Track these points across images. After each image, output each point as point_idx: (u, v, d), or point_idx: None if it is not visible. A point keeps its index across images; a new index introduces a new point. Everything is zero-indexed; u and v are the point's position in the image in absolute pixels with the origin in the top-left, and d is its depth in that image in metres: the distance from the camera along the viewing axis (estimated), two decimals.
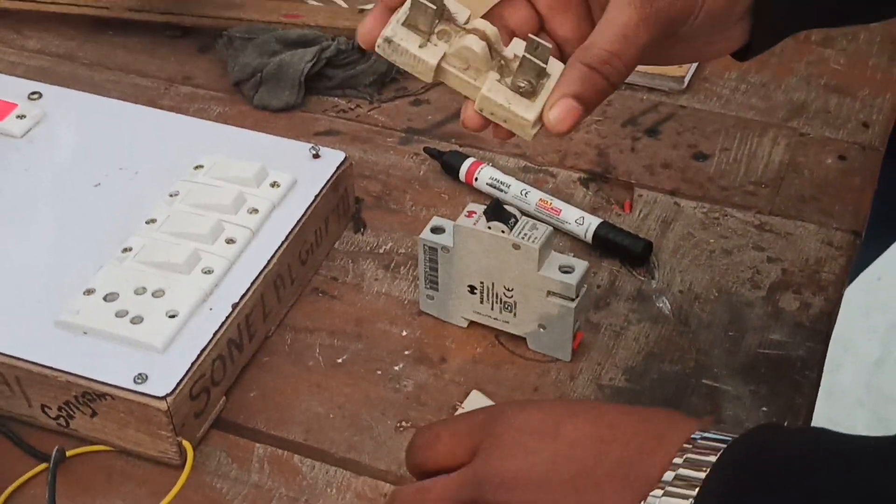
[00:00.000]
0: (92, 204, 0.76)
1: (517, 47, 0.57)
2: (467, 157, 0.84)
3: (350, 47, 0.93)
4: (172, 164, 0.78)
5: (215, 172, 0.76)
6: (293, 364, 0.72)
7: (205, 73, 0.96)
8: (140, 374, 0.64)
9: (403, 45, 0.57)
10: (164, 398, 0.63)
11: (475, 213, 0.70)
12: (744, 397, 0.69)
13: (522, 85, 0.57)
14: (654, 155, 0.87)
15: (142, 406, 0.64)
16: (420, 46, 0.57)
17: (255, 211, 0.74)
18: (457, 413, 0.67)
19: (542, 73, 0.57)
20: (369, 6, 1.00)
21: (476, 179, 0.83)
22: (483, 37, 0.57)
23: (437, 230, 0.72)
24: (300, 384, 0.71)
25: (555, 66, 0.58)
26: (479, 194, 0.83)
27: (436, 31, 0.57)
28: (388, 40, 0.57)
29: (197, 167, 0.77)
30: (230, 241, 0.72)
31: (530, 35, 0.56)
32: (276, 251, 0.72)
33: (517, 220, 0.69)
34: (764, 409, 0.68)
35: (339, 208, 0.79)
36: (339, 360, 0.72)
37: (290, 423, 0.68)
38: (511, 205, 0.79)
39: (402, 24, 0.57)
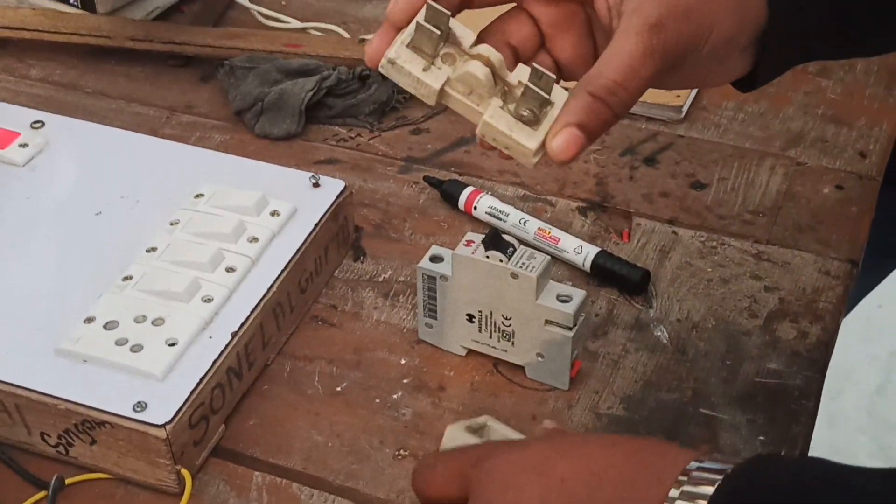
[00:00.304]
0: (93, 232, 0.76)
1: (521, 74, 0.57)
2: (466, 185, 0.85)
3: (351, 77, 0.93)
4: (173, 193, 0.78)
5: (216, 201, 0.77)
6: (292, 392, 0.72)
7: (206, 102, 0.97)
8: (139, 403, 0.64)
9: (407, 67, 0.57)
10: (163, 426, 0.64)
11: (473, 242, 0.70)
12: (741, 426, 0.69)
13: (525, 113, 0.57)
14: (653, 184, 0.87)
15: (141, 434, 0.64)
16: (423, 70, 0.57)
17: (256, 239, 0.74)
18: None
19: (545, 103, 0.57)
20: (370, 36, 1.01)
21: (475, 208, 0.84)
22: (487, 63, 0.57)
23: (435, 259, 0.72)
24: (299, 412, 0.71)
25: (559, 94, 0.58)
26: (478, 223, 0.84)
27: (441, 53, 0.58)
28: (392, 62, 0.57)
29: (197, 196, 0.78)
30: (230, 269, 0.72)
31: (534, 64, 0.57)
32: (276, 280, 0.73)
33: (515, 250, 0.70)
34: (761, 438, 0.68)
35: (338, 237, 0.80)
36: (338, 389, 0.72)
37: (288, 452, 0.69)
38: (510, 234, 0.79)
39: (407, 45, 0.57)
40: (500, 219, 0.83)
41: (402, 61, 0.57)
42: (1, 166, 0.82)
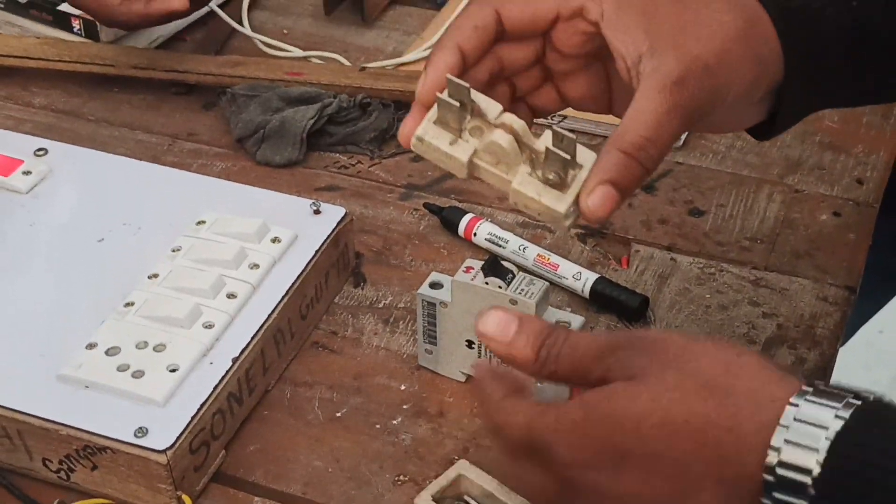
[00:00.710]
0: (95, 259, 0.77)
1: (547, 139, 0.57)
2: (466, 212, 0.86)
3: (351, 104, 0.94)
4: (175, 220, 0.79)
5: (217, 228, 0.77)
6: (292, 418, 0.73)
7: (208, 129, 0.97)
8: (140, 428, 0.65)
9: (435, 143, 0.59)
10: (164, 452, 0.64)
11: (473, 268, 0.71)
12: None
13: (551, 177, 0.57)
14: (651, 211, 0.88)
15: (142, 459, 0.64)
16: (451, 143, 0.58)
17: (256, 266, 0.75)
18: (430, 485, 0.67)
19: (569, 164, 0.57)
20: (372, 64, 1.02)
21: (475, 235, 0.84)
22: (511, 131, 0.58)
23: (435, 285, 0.73)
24: (299, 438, 0.71)
25: (586, 156, 0.58)
26: (477, 249, 0.84)
27: (468, 127, 0.59)
28: (420, 139, 0.59)
29: (199, 223, 0.78)
30: (231, 295, 0.73)
31: (554, 127, 0.57)
32: (277, 306, 0.73)
33: (514, 276, 0.70)
34: None
35: (339, 263, 0.80)
36: (338, 414, 0.73)
37: (288, 477, 0.69)
38: (509, 260, 0.80)
39: (434, 122, 0.59)
40: (500, 245, 0.83)
41: (429, 137, 0.59)
42: (4, 193, 0.83)
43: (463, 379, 0.74)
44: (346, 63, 1.03)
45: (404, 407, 0.73)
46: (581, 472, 0.53)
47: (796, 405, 0.49)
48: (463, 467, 0.66)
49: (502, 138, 0.58)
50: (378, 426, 0.72)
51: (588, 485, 0.54)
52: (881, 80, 0.67)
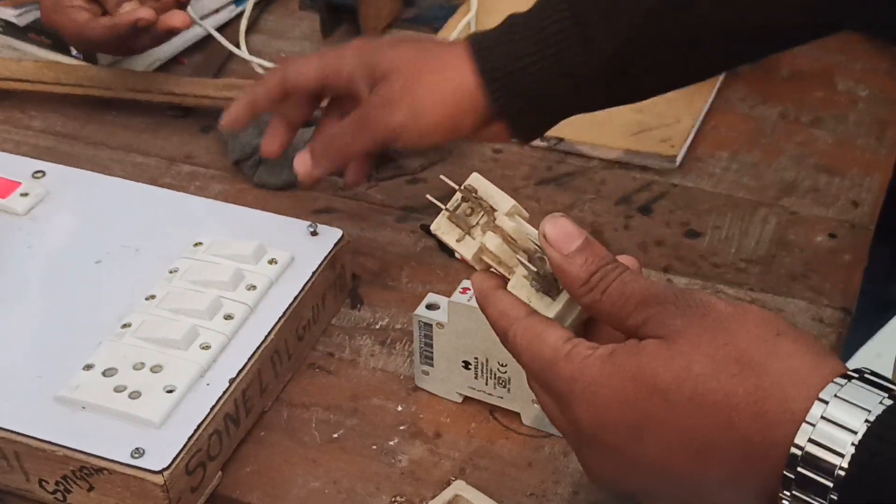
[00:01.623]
0: (93, 280, 0.77)
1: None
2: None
3: None
4: (172, 242, 0.79)
5: (214, 250, 0.78)
6: (289, 439, 0.73)
7: (206, 151, 0.98)
8: (137, 449, 0.65)
9: (444, 238, 0.61)
10: (160, 472, 0.64)
11: (469, 289, 0.71)
12: None
13: (540, 285, 0.58)
14: (647, 233, 0.88)
15: (138, 480, 0.64)
16: (458, 241, 0.60)
17: (254, 287, 0.75)
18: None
19: (555, 278, 0.57)
20: None
21: None
22: (502, 235, 0.58)
23: (431, 306, 0.73)
24: (296, 459, 0.71)
25: None
26: (474, 271, 0.84)
27: (480, 222, 0.60)
28: (434, 232, 0.61)
29: (196, 244, 0.78)
30: (228, 317, 0.73)
31: (521, 253, 0.58)
32: (274, 327, 0.73)
33: None
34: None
35: (336, 285, 0.80)
36: (335, 436, 0.73)
37: (285, 499, 0.69)
38: None
39: (447, 217, 0.61)
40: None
41: (440, 233, 0.61)
42: (2, 216, 0.83)
43: (460, 400, 0.74)
44: None
45: (401, 428, 0.73)
46: (600, 430, 0.53)
47: (825, 402, 0.48)
48: (460, 488, 0.66)
49: (491, 242, 0.59)
50: (375, 447, 0.72)
51: (607, 445, 0.53)
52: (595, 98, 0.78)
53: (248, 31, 1.11)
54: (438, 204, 0.62)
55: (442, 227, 0.61)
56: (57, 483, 0.67)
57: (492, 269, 0.60)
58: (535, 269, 0.57)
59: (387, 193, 0.93)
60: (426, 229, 0.88)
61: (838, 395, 0.48)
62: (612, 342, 0.54)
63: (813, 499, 0.48)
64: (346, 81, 0.78)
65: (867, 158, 0.95)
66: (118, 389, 0.68)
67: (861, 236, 0.88)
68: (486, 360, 0.72)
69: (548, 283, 0.58)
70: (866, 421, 0.48)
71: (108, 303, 0.75)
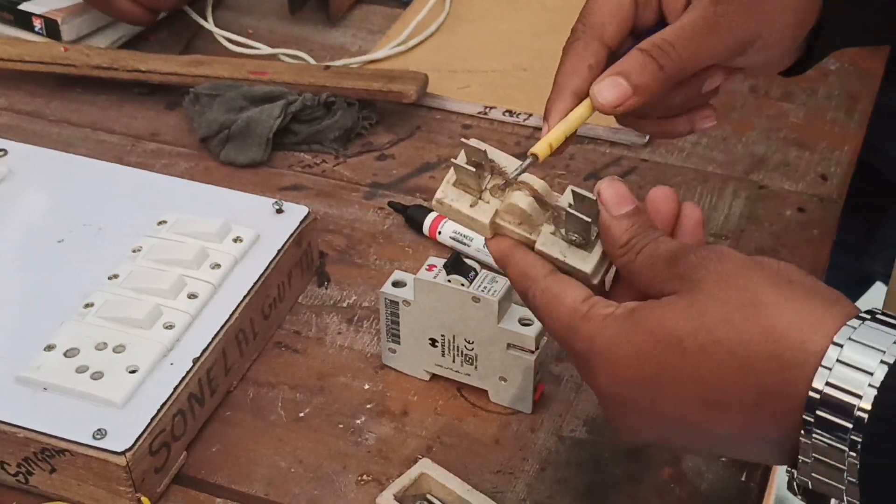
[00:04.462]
0: (55, 260, 0.76)
1: (569, 197, 0.57)
2: (431, 211, 0.85)
3: (315, 103, 0.93)
4: (136, 220, 0.78)
5: (178, 228, 0.77)
6: (255, 418, 0.72)
7: (172, 129, 0.97)
8: (99, 430, 0.64)
9: (455, 205, 0.58)
10: (122, 454, 0.63)
11: (435, 266, 0.71)
12: None
13: (574, 238, 0.57)
14: None
15: (101, 462, 0.64)
16: (471, 206, 0.58)
17: (218, 266, 0.74)
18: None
19: (591, 224, 0.56)
20: (336, 63, 1.01)
21: (439, 233, 0.84)
22: (531, 191, 0.57)
23: (398, 284, 0.72)
24: (262, 438, 0.71)
25: None
26: (442, 248, 0.84)
27: (489, 186, 0.58)
28: (440, 201, 0.59)
29: (160, 223, 0.78)
30: (192, 296, 0.72)
31: (572, 188, 0.57)
32: (238, 306, 0.73)
33: (477, 274, 0.70)
34: (723, 459, 0.68)
35: (302, 263, 0.80)
36: (301, 415, 0.72)
37: (251, 478, 0.68)
38: (474, 258, 0.79)
39: (453, 184, 0.58)
40: (465, 243, 0.83)
41: (449, 200, 0.59)
42: None
43: (427, 378, 0.74)
44: (312, 62, 1.02)
45: (368, 406, 0.73)
46: (617, 388, 0.53)
47: (840, 345, 0.48)
48: (426, 466, 0.66)
49: (522, 200, 0.57)
50: (341, 426, 0.71)
51: (626, 401, 0.54)
52: None
53: (216, 6, 1.09)
54: (475, 145, 0.58)
55: (449, 194, 0.59)
56: (19, 465, 0.66)
57: (505, 234, 0.59)
58: (568, 223, 0.56)
59: (354, 170, 0.92)
60: (395, 206, 0.87)
61: (853, 337, 0.49)
62: (631, 299, 0.55)
63: (834, 441, 0.48)
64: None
65: (837, 132, 0.95)
66: (80, 370, 0.67)
67: (830, 210, 0.87)
68: (453, 338, 0.71)
69: (579, 237, 0.57)
70: (882, 362, 0.48)
71: (71, 282, 0.74)
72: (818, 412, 0.49)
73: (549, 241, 0.58)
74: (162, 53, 1.01)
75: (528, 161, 0.58)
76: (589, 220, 0.56)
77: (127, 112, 0.99)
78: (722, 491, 0.67)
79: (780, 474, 0.88)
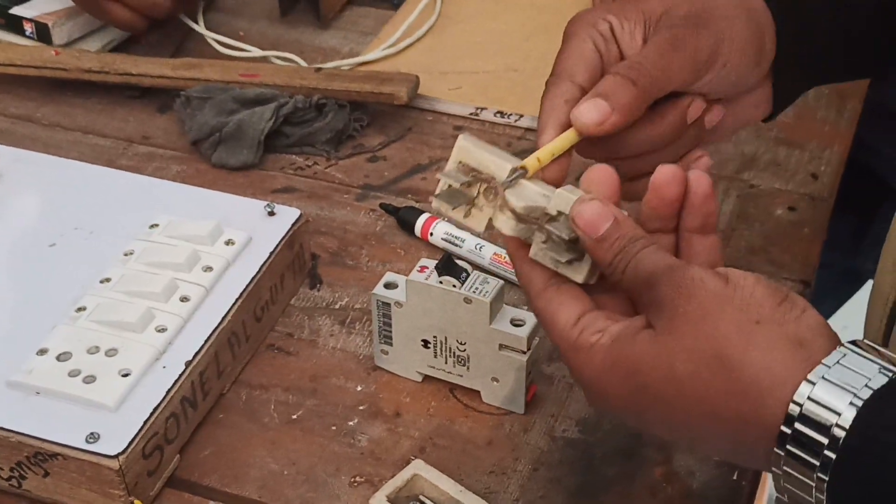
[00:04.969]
0: (47, 264, 0.76)
1: (559, 201, 0.57)
2: (422, 212, 0.85)
3: (307, 105, 0.94)
4: (128, 224, 0.78)
5: (170, 231, 0.77)
6: (248, 421, 0.72)
7: (163, 132, 0.97)
8: (92, 434, 0.64)
9: (451, 215, 0.59)
10: (115, 457, 0.63)
11: (427, 268, 0.71)
12: None
13: (562, 256, 0.57)
14: None
15: (94, 465, 0.64)
16: (465, 216, 0.59)
17: (210, 269, 0.74)
18: None
19: (575, 240, 0.57)
20: (327, 65, 1.01)
21: (431, 234, 0.84)
22: (511, 210, 0.58)
23: (390, 285, 0.72)
24: (255, 441, 0.71)
25: None
26: (434, 249, 0.84)
27: (481, 191, 0.59)
28: (438, 212, 0.60)
29: (152, 226, 0.78)
30: (184, 298, 0.72)
31: (558, 193, 0.57)
32: (231, 308, 0.73)
33: (468, 275, 0.70)
34: (716, 458, 0.69)
35: (294, 265, 0.80)
36: (294, 417, 0.72)
37: (244, 481, 0.68)
38: (466, 259, 0.80)
39: (446, 191, 0.59)
40: (457, 245, 0.83)
41: (444, 210, 0.59)
42: None
43: (419, 379, 0.74)
44: (303, 64, 1.02)
45: (360, 408, 0.73)
46: (608, 410, 0.58)
47: (799, 404, 0.50)
48: (418, 467, 0.66)
49: (506, 225, 0.58)
50: (334, 428, 0.71)
51: (617, 413, 0.57)
52: (869, 53, 0.71)
53: (206, 8, 1.09)
54: (446, 181, 0.59)
55: (444, 205, 0.59)
56: (11, 469, 0.66)
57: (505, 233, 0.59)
58: (554, 239, 0.57)
59: (346, 172, 0.92)
60: (386, 208, 0.87)
61: (813, 395, 0.50)
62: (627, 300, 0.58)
63: (805, 480, 0.50)
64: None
65: (827, 131, 0.95)
66: (73, 374, 0.68)
67: (820, 209, 0.88)
68: (445, 339, 0.71)
69: (568, 253, 0.57)
70: (851, 403, 0.49)
71: (63, 286, 0.74)
72: (784, 467, 0.51)
73: (539, 253, 0.58)
74: (153, 56, 1.01)
75: (517, 174, 0.58)
76: (573, 238, 0.56)
77: (118, 115, 0.99)
78: (714, 490, 0.67)
79: None
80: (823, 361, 0.50)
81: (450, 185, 0.59)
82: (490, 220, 0.59)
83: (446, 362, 0.72)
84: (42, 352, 0.69)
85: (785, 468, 0.50)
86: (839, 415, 0.49)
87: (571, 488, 0.67)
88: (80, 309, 0.72)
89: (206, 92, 0.95)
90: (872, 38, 0.70)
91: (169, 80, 0.97)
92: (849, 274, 1.32)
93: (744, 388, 0.51)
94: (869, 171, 1.14)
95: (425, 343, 0.72)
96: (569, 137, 0.61)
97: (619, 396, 0.55)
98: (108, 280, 0.74)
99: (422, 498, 0.65)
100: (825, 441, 0.49)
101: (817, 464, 0.49)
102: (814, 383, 0.50)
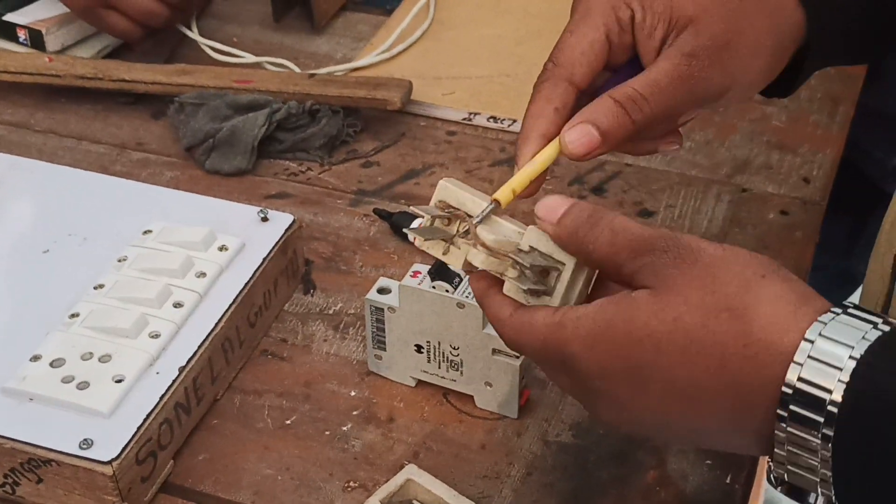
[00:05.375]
0: (40, 270, 0.76)
1: (532, 236, 0.57)
2: (416, 217, 0.85)
3: (300, 111, 0.94)
4: (122, 230, 0.78)
5: (164, 237, 0.77)
6: (242, 426, 0.72)
7: (157, 138, 0.97)
8: (86, 440, 0.64)
9: (431, 251, 0.60)
10: (109, 463, 0.63)
11: (420, 273, 0.71)
12: (688, 451, 0.69)
13: (534, 288, 0.57)
14: None
15: (87, 472, 0.64)
16: (444, 253, 0.60)
17: (203, 275, 0.74)
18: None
19: (545, 272, 0.57)
20: (320, 71, 1.02)
21: None
22: (482, 245, 0.58)
23: (383, 291, 0.73)
24: (249, 446, 0.71)
25: (566, 257, 0.57)
26: (427, 255, 0.83)
27: (461, 229, 0.59)
28: (419, 247, 0.60)
29: (146, 232, 0.78)
30: (178, 304, 0.72)
31: (529, 231, 0.57)
32: (224, 314, 0.73)
33: (461, 280, 0.70)
34: (708, 462, 0.69)
35: (288, 270, 0.80)
36: (288, 422, 0.72)
37: (238, 486, 0.69)
38: None
39: (427, 228, 0.60)
40: None
41: (425, 247, 0.60)
42: None
43: (413, 384, 0.74)
44: (297, 70, 1.03)
45: (354, 413, 0.73)
46: (602, 382, 0.54)
47: (811, 341, 0.49)
48: (412, 472, 0.66)
49: (476, 258, 0.58)
50: (328, 433, 0.72)
51: (610, 394, 0.54)
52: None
53: (200, 15, 1.10)
54: (419, 213, 0.60)
55: (425, 243, 0.60)
56: (5, 476, 0.66)
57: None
58: (523, 271, 0.57)
59: (339, 177, 0.92)
60: (380, 213, 0.87)
61: (823, 333, 0.49)
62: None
63: (807, 435, 0.50)
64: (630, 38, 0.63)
65: (819, 135, 0.95)
66: (66, 380, 0.68)
67: (813, 213, 0.88)
68: (439, 344, 0.71)
69: (541, 275, 0.57)
70: (850, 357, 0.49)
71: (56, 292, 0.74)
72: (791, 407, 0.50)
73: (512, 289, 0.58)
74: (146, 63, 1.01)
75: (488, 207, 0.58)
76: (544, 269, 0.56)
77: (112, 122, 0.99)
78: (707, 493, 0.67)
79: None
80: (832, 309, 0.50)
81: (431, 220, 0.60)
82: (466, 258, 0.59)
83: (440, 367, 0.73)
84: (35, 358, 0.69)
85: (789, 429, 0.50)
86: (852, 347, 0.49)
87: (565, 493, 0.68)
88: (73, 315, 0.72)
89: (200, 98, 0.95)
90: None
91: (162, 86, 0.98)
92: (842, 276, 1.32)
93: (754, 332, 0.50)
94: (861, 174, 1.15)
95: (419, 348, 0.72)
96: (550, 154, 0.60)
97: (615, 358, 0.53)
98: (101, 286, 0.74)
99: (415, 502, 0.65)
100: (836, 375, 0.48)
101: (821, 420, 0.49)
102: (825, 323, 0.49)
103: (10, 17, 1.03)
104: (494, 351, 0.70)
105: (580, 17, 0.62)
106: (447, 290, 0.70)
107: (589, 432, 0.71)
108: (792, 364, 0.50)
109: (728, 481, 0.68)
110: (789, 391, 0.50)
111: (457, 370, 0.72)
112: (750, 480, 0.70)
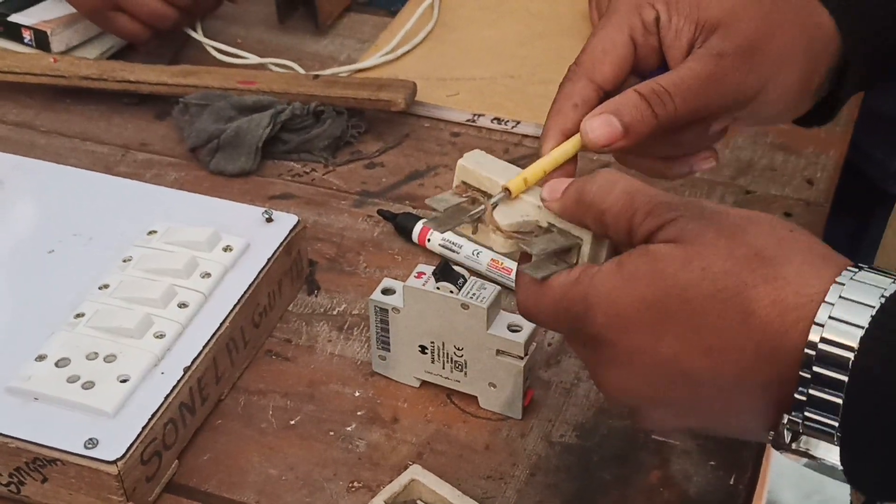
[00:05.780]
0: (45, 270, 0.76)
1: (550, 213, 0.57)
2: (420, 218, 0.86)
3: (305, 112, 0.94)
4: (126, 230, 0.79)
5: (168, 237, 0.77)
6: (246, 426, 0.72)
7: (161, 139, 0.97)
8: (91, 439, 0.64)
9: (461, 231, 0.59)
10: (114, 462, 0.64)
11: (424, 273, 0.71)
12: (692, 451, 0.70)
13: (557, 258, 0.57)
14: None
15: (92, 471, 0.64)
16: (473, 233, 0.59)
17: (208, 275, 0.75)
18: None
19: (566, 251, 0.57)
20: (325, 72, 1.02)
21: (429, 240, 0.84)
22: (500, 230, 0.58)
23: (387, 291, 0.73)
24: (253, 446, 0.71)
25: (586, 233, 0.57)
26: (432, 255, 0.84)
27: (476, 214, 0.59)
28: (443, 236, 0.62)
29: (150, 232, 0.78)
30: (182, 305, 0.73)
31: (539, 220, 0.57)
32: (229, 314, 0.73)
33: (466, 280, 0.70)
34: (711, 462, 0.69)
35: (292, 271, 0.80)
36: (292, 422, 0.72)
37: (242, 486, 0.69)
38: (463, 265, 0.80)
39: (452, 209, 0.59)
40: (454, 251, 0.83)
41: (441, 230, 0.60)
42: None
43: (417, 384, 0.74)
44: (301, 71, 1.03)
45: (358, 413, 0.73)
46: (618, 335, 0.53)
47: (842, 283, 0.49)
48: (416, 472, 0.66)
49: (498, 244, 0.58)
50: (332, 433, 0.72)
51: (625, 350, 0.53)
52: None
53: (205, 16, 1.10)
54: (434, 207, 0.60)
55: (442, 226, 0.59)
56: (10, 475, 0.66)
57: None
58: (543, 248, 0.56)
59: (343, 178, 0.93)
60: (384, 214, 0.88)
61: (854, 278, 0.49)
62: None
63: (834, 374, 0.49)
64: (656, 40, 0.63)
65: (822, 136, 0.95)
66: (71, 380, 0.68)
67: (816, 214, 0.88)
68: (443, 345, 0.72)
69: (561, 255, 0.57)
70: (882, 296, 0.49)
71: (61, 292, 0.74)
72: (820, 346, 0.49)
73: (536, 264, 0.58)
74: (151, 63, 1.02)
75: (498, 196, 0.58)
76: (564, 248, 0.56)
77: (116, 122, 0.99)
78: (710, 494, 0.68)
79: (770, 476, 0.89)
80: (849, 267, 0.50)
81: (454, 208, 0.59)
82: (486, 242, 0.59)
83: (444, 368, 0.73)
84: (41, 358, 0.69)
85: (814, 368, 0.49)
86: (873, 308, 0.48)
87: (568, 493, 0.68)
88: (78, 315, 0.72)
89: (205, 99, 0.95)
90: None
91: (167, 87, 0.98)
92: None
93: (784, 280, 0.50)
94: (862, 176, 1.15)
95: (423, 349, 0.73)
96: (568, 150, 0.60)
97: (639, 306, 0.52)
98: (106, 286, 0.74)
99: (419, 503, 0.66)
100: (868, 313, 0.48)
101: (851, 354, 0.48)
102: (843, 284, 0.49)
103: (15, 18, 1.04)
104: (498, 352, 0.70)
105: (605, 19, 0.62)
106: (451, 291, 0.70)
107: (592, 433, 0.71)
108: (822, 304, 0.49)
109: (732, 482, 0.68)
110: (821, 326, 0.49)
111: (461, 371, 0.72)
112: (754, 481, 0.70)
